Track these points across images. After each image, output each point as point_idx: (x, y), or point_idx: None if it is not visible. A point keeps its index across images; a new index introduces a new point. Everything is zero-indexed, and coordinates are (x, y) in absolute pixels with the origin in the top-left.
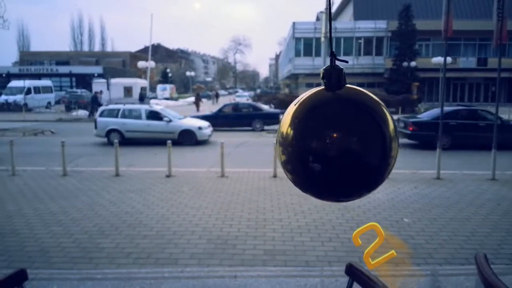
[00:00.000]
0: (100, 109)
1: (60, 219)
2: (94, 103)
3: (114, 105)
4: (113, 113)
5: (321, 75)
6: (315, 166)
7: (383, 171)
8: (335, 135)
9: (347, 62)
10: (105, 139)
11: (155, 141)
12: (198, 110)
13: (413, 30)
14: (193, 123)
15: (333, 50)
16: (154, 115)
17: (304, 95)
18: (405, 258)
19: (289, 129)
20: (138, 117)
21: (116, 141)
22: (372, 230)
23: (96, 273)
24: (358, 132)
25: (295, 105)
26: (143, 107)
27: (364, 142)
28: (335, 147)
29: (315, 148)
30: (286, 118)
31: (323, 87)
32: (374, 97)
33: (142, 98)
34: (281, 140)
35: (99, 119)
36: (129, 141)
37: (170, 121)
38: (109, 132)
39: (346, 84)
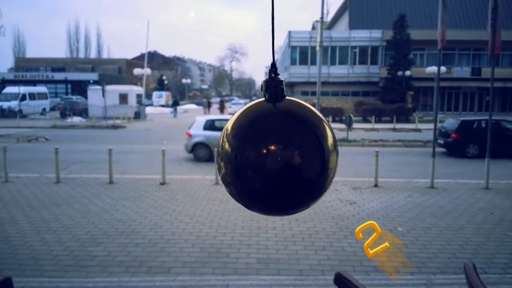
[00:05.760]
0: None
1: (52, 226)
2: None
3: None
4: None
5: (261, 87)
6: (253, 179)
7: (323, 182)
8: (272, 147)
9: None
10: None
11: None
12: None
13: (407, 40)
14: None
15: (274, 61)
16: None
17: (245, 106)
18: (399, 266)
19: (228, 141)
20: None
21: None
22: (371, 227)
23: (87, 282)
24: (295, 145)
25: (235, 116)
26: None
27: (302, 155)
28: (272, 160)
29: (252, 161)
30: (226, 129)
31: (263, 99)
32: (315, 110)
33: (177, 103)
34: (220, 151)
35: None
36: None
37: None
38: None
39: (286, 96)
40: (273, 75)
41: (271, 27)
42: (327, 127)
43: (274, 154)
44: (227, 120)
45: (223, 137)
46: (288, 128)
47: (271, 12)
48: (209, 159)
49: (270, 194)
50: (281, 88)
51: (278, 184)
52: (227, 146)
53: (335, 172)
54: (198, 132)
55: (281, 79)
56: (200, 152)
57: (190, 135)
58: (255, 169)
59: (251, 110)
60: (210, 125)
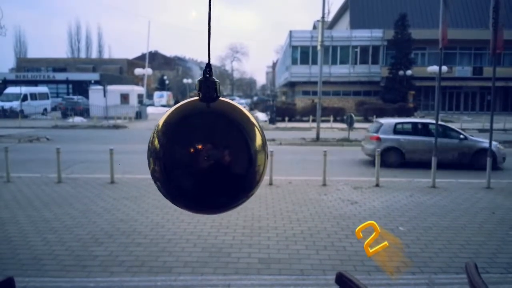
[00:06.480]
0: None
1: (54, 226)
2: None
3: None
4: None
5: (196, 87)
6: (179, 176)
7: (252, 179)
8: (199, 146)
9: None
10: None
11: None
12: None
13: (408, 39)
14: None
15: (208, 62)
16: None
17: (178, 104)
18: (401, 266)
19: (158, 137)
20: None
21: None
22: (370, 226)
23: (89, 282)
24: (222, 144)
25: (167, 113)
26: None
27: (228, 154)
28: (198, 158)
29: (179, 159)
30: (157, 125)
31: (197, 98)
32: (246, 112)
33: (178, 103)
34: (150, 147)
35: None
36: None
37: None
38: None
39: (220, 97)
40: (207, 75)
41: (207, 29)
42: (256, 129)
43: (201, 152)
44: (418, 122)
45: (153, 133)
46: (217, 128)
47: (208, 14)
48: (401, 165)
49: (196, 191)
50: (215, 88)
51: (204, 182)
52: (156, 142)
53: (264, 171)
54: (389, 136)
55: (216, 80)
56: (391, 157)
57: (379, 139)
58: (182, 166)
59: (183, 109)
60: (401, 128)
